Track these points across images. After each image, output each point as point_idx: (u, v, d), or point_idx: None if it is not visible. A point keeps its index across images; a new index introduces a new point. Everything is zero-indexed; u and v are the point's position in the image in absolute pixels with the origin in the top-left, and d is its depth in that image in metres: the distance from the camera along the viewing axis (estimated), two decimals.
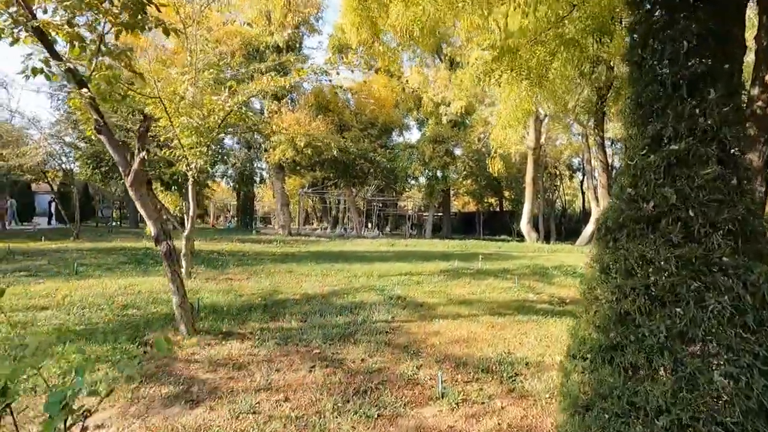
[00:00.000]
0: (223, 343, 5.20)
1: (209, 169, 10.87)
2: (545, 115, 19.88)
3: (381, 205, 39.77)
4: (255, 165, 41.21)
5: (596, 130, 10.43)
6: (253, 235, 24.81)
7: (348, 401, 3.95)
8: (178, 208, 14.14)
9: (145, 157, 5.00)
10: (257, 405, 3.80)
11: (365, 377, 4.49)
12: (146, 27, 4.98)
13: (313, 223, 49.62)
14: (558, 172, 39.06)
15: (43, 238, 16.90)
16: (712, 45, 1.93)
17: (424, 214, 36.82)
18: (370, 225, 40.48)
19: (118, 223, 34.77)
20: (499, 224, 39.11)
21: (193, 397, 3.92)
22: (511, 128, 11.03)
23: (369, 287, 8.85)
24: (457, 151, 31.83)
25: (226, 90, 8.36)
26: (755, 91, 4.69)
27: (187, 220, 9.39)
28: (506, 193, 40.82)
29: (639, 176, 2.03)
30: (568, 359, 2.30)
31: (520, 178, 32.48)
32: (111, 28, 4.79)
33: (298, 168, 29.44)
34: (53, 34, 4.69)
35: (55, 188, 21.84)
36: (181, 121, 8.36)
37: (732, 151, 1.90)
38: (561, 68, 6.97)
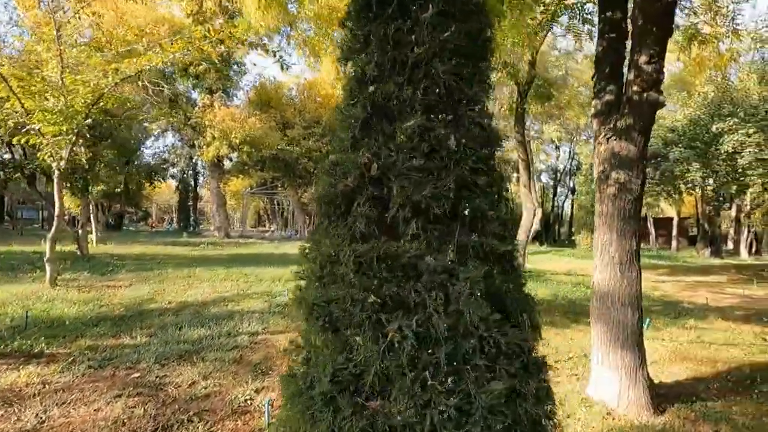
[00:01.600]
0: (19, 368, 4.18)
1: (83, 160, 9.55)
2: None
3: None
4: (199, 164, 39.05)
5: (516, 127, 10.22)
6: (183, 238, 23.14)
7: None
8: (79, 206, 12.58)
9: None
10: None
11: (183, 406, 3.67)
12: None
13: (265, 225, 47.86)
14: (507, 174, 39.73)
15: None
16: None
17: None
18: None
19: (41, 225, 31.78)
20: None
21: None
22: None
23: (263, 293, 7.98)
24: None
25: (95, 70, 7.24)
26: (631, 76, 4.28)
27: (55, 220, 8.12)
28: None
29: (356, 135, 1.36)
30: None
31: None
32: None
33: (245, 167, 27.95)
34: None
35: None
36: (43, 105, 7.16)
37: (455, 96, 1.27)
38: None
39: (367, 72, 1.29)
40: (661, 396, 4.25)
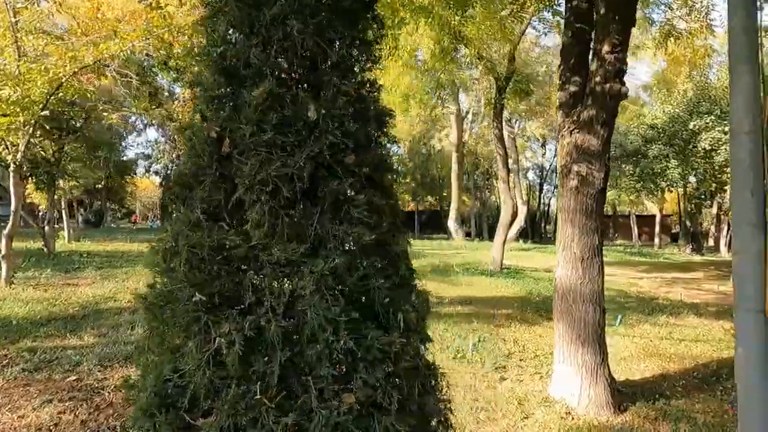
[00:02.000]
0: None
1: (44, 153, 9.21)
2: (466, 112, 19.64)
3: None
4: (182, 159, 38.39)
5: (494, 123, 10.10)
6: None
7: None
8: (47, 201, 12.16)
9: None
10: None
11: (118, 411, 3.45)
12: None
13: None
14: (494, 171, 39.67)
15: None
16: None
17: None
18: None
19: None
20: (439, 223, 39.27)
21: None
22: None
23: None
24: (395, 149, 31.32)
25: (51, 58, 6.91)
26: (593, 67, 4.15)
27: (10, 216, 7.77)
28: (445, 193, 41.05)
29: (206, 106, 1.17)
30: None
31: None
32: None
33: None
34: None
35: None
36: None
37: (318, 61, 1.09)
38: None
39: (219, 33, 1.11)
40: (625, 394, 4.15)
